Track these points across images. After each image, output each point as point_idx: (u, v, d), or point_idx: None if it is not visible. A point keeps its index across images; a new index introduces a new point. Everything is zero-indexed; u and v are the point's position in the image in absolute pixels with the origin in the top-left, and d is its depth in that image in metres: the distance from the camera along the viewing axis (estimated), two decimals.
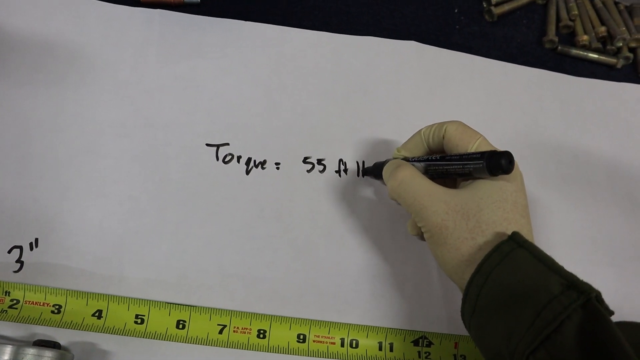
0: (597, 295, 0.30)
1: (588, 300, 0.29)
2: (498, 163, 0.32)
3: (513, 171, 0.33)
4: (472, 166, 0.34)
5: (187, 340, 0.38)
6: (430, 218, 0.35)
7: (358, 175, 0.46)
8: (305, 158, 0.46)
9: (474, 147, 0.36)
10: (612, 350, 0.28)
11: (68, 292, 0.38)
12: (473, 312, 0.32)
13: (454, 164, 0.35)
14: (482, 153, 0.33)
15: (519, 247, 0.32)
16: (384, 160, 0.42)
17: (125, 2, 0.49)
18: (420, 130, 0.40)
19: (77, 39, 0.47)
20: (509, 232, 0.33)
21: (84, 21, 0.47)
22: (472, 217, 0.34)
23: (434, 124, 0.39)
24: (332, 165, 0.46)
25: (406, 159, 0.39)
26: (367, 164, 0.47)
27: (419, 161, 0.38)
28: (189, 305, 0.39)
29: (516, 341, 0.30)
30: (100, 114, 0.44)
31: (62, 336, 0.37)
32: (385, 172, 0.39)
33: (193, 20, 0.49)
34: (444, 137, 0.38)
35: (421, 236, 0.37)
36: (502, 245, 0.32)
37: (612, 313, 0.30)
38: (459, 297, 0.43)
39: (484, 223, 0.33)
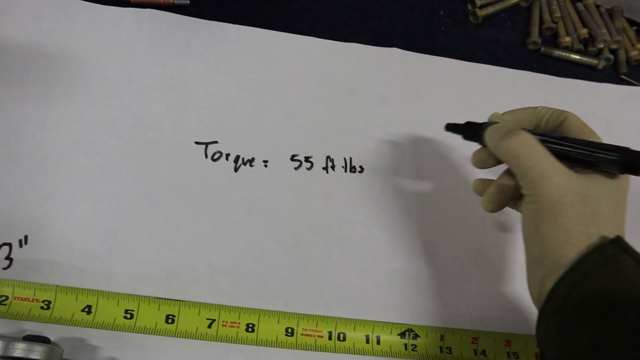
0: None
1: None
2: (634, 162, 0.32)
3: (625, 178, 0.33)
4: (602, 155, 0.33)
5: (176, 334, 0.39)
6: (549, 189, 0.32)
7: (345, 171, 0.47)
8: (293, 155, 0.47)
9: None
10: None
11: (57, 287, 0.38)
12: (555, 312, 0.31)
13: (581, 148, 0.34)
14: (619, 147, 0.33)
15: (623, 252, 0.30)
16: (478, 122, 0.40)
17: (116, 3, 0.50)
18: (535, 107, 0.38)
19: (67, 39, 0.47)
20: (618, 234, 0.32)
21: (74, 22, 0.48)
22: (590, 205, 0.32)
23: (553, 108, 0.38)
24: (319, 162, 0.47)
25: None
26: (355, 160, 0.48)
27: (537, 134, 0.35)
28: (178, 300, 0.39)
29: (606, 349, 0.28)
30: (89, 112, 0.45)
31: (52, 332, 0.37)
32: (497, 131, 0.36)
33: (182, 21, 0.50)
34: (561, 125, 0.37)
35: (491, 199, 0.36)
36: (605, 247, 0.30)
37: None
38: (446, 290, 0.44)
39: (600, 215, 0.32)
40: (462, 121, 0.43)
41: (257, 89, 0.49)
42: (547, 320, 0.32)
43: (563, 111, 0.37)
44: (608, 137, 0.54)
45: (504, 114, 0.39)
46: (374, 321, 0.42)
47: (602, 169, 0.34)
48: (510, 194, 0.37)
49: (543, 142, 0.34)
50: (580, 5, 0.62)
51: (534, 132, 0.35)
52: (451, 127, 0.43)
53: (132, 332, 0.38)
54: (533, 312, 0.45)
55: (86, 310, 0.38)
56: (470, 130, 0.40)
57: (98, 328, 0.38)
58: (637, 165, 0.32)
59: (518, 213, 0.38)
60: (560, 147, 0.34)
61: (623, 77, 0.60)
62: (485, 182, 0.39)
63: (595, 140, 0.35)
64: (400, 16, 0.57)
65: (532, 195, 0.33)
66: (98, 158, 0.43)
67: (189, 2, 0.51)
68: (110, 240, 0.41)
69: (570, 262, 0.31)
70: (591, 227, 0.32)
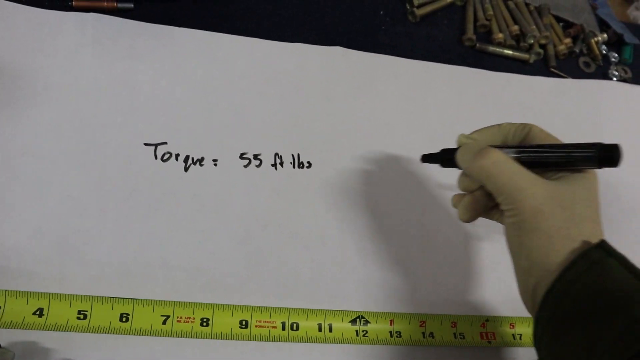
0: None
1: None
2: (610, 155, 0.32)
3: (592, 173, 0.34)
4: (579, 154, 0.34)
5: (130, 332, 0.39)
6: (527, 201, 0.33)
7: (294, 167, 0.49)
8: (242, 154, 0.48)
9: None
10: None
11: (7, 292, 0.38)
12: (550, 319, 0.32)
13: (557, 152, 0.35)
14: (593, 144, 0.33)
15: (608, 255, 0.31)
16: (452, 147, 0.41)
17: (58, 7, 0.50)
18: (499, 124, 0.39)
19: (6, 43, 0.47)
20: (596, 233, 0.33)
21: (14, 26, 0.47)
22: (568, 208, 0.33)
23: (516, 123, 0.39)
24: (268, 159, 0.48)
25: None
26: (302, 156, 0.49)
27: (510, 147, 0.36)
28: (131, 299, 0.40)
29: (600, 353, 0.29)
30: (33, 116, 0.44)
31: (2, 336, 0.37)
32: (467, 152, 0.37)
33: (126, 25, 0.50)
34: (525, 137, 0.38)
35: (466, 209, 0.37)
36: (590, 252, 0.31)
37: None
38: (394, 277, 0.46)
39: (578, 216, 0.33)
40: (404, 118, 0.45)
41: (204, 89, 0.50)
42: (543, 328, 0.32)
43: (526, 124, 0.38)
44: (541, 126, 0.58)
45: (471, 134, 0.40)
46: (326, 310, 0.43)
47: (580, 167, 0.35)
48: (484, 204, 0.38)
49: (520, 153, 0.36)
50: (511, 3, 0.66)
51: (508, 146, 0.36)
52: (427, 158, 0.43)
53: (86, 332, 0.38)
54: (476, 294, 0.48)
55: (37, 313, 0.38)
56: (446, 157, 0.41)
57: (51, 330, 0.38)
58: (613, 157, 0.32)
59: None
60: (538, 155, 0.35)
61: (552, 70, 0.63)
62: (462, 195, 0.40)
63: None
64: (343, 16, 0.59)
65: (512, 209, 0.34)
66: (45, 162, 0.43)
67: (132, 5, 0.51)
68: (61, 242, 0.41)
69: (559, 269, 0.32)
70: (572, 229, 0.32)
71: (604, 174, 0.35)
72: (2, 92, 0.45)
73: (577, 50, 0.66)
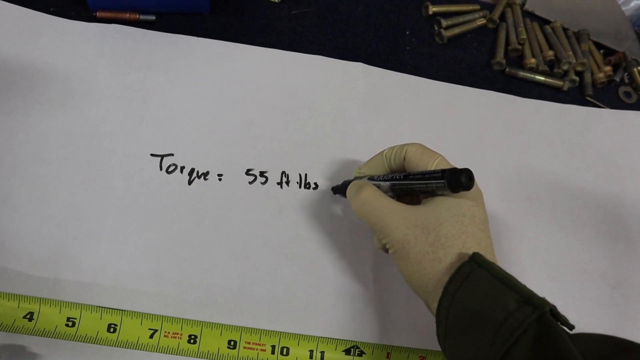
0: (552, 309, 0.31)
1: (542, 314, 0.30)
2: (458, 180, 0.34)
3: (473, 188, 0.35)
4: (434, 184, 0.35)
5: (117, 344, 0.39)
6: (393, 234, 0.36)
7: (300, 187, 0.47)
8: (248, 170, 0.47)
9: (433, 166, 0.38)
10: None
11: (0, 293, 0.38)
12: (445, 334, 0.33)
13: (417, 183, 0.37)
14: (443, 171, 0.35)
15: (478, 267, 0.33)
16: (352, 179, 0.43)
17: (84, 19, 0.51)
18: (382, 152, 0.42)
19: (30, 51, 0.48)
20: (468, 246, 0.35)
21: (39, 35, 0.49)
22: (432, 231, 0.35)
23: (395, 146, 0.41)
24: (274, 177, 0.47)
25: (372, 178, 0.41)
26: (310, 177, 0.48)
27: (384, 180, 0.40)
28: (120, 310, 0.40)
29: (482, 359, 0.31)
30: (46, 122, 0.45)
31: None
32: (349, 192, 0.41)
33: (146, 35, 0.51)
34: (404, 159, 0.40)
35: (386, 250, 0.39)
36: (463, 267, 0.33)
37: (572, 327, 0.31)
38: (392, 308, 0.44)
39: (443, 236, 0.35)
40: (421, 140, 0.44)
41: (217, 101, 0.49)
42: (442, 342, 0.34)
43: (403, 145, 0.40)
44: (571, 157, 0.55)
45: (361, 167, 0.44)
46: (319, 337, 0.42)
47: (441, 194, 0.36)
48: None
49: (393, 186, 0.39)
50: (547, 27, 0.63)
51: (385, 178, 0.40)
52: (335, 190, 0.46)
53: (73, 340, 0.38)
54: None
55: (28, 317, 0.38)
56: (345, 189, 0.43)
57: (39, 336, 0.38)
58: (461, 181, 0.34)
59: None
60: (405, 186, 0.38)
61: (588, 99, 0.60)
62: None
63: (437, 161, 0.38)
64: (366, 34, 0.57)
65: (387, 242, 0.37)
66: (52, 167, 0.44)
67: (154, 17, 0.52)
68: (57, 248, 0.41)
69: (440, 285, 0.34)
70: (439, 251, 0.35)
71: None
72: (19, 98, 0.46)
73: (617, 79, 0.62)
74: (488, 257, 0.35)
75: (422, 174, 0.37)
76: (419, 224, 0.36)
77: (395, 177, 0.39)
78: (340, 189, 0.45)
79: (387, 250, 0.38)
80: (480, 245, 0.35)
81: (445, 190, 0.35)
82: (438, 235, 0.35)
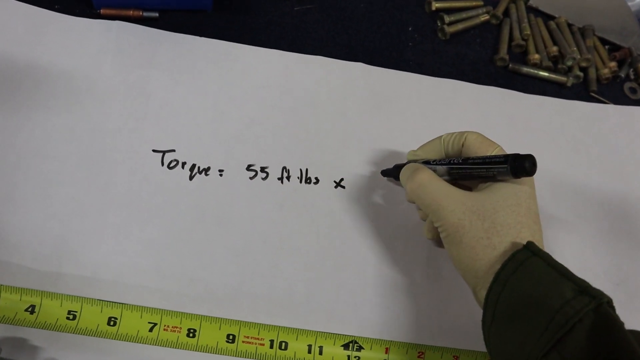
0: (609, 301, 0.31)
1: (600, 304, 0.30)
2: (522, 165, 0.34)
3: (528, 179, 0.35)
4: (496, 169, 0.36)
5: (117, 337, 0.39)
6: (448, 217, 0.36)
7: (301, 182, 0.48)
8: (249, 165, 0.47)
9: (492, 154, 0.38)
10: (623, 352, 0.29)
11: (2, 287, 0.39)
12: (492, 320, 0.33)
13: (478, 167, 0.37)
14: (506, 156, 0.35)
15: (533, 255, 0.33)
16: (404, 162, 0.44)
17: (87, 15, 0.51)
18: (440, 136, 0.43)
19: (35, 48, 0.49)
20: (522, 236, 0.35)
21: (44, 32, 0.49)
22: (488, 218, 0.35)
23: (455, 132, 0.42)
24: (275, 173, 0.48)
25: (427, 162, 0.42)
26: (311, 172, 0.48)
27: (442, 164, 0.40)
28: (120, 303, 0.40)
29: (530, 346, 0.31)
30: (50, 119, 0.46)
31: None
32: (403, 175, 0.42)
33: (149, 33, 0.51)
34: (463, 145, 0.40)
35: (437, 241, 0.40)
36: (517, 254, 0.33)
37: (622, 323, 0.31)
38: (392, 303, 0.44)
39: (499, 225, 0.35)
40: (423, 137, 0.45)
41: (218, 99, 0.50)
42: (488, 329, 0.34)
43: (463, 132, 0.41)
44: (575, 153, 0.55)
45: (417, 149, 0.44)
46: (317, 331, 0.42)
47: (500, 180, 0.36)
48: None
49: (450, 170, 0.39)
50: (552, 23, 0.63)
51: (442, 162, 0.40)
52: (385, 173, 0.47)
53: (74, 333, 0.39)
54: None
55: (29, 309, 0.39)
56: (397, 172, 0.44)
57: (40, 328, 0.38)
58: (525, 167, 0.34)
59: None
60: (463, 170, 0.38)
61: (593, 94, 0.60)
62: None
63: (496, 150, 0.39)
64: (369, 31, 0.57)
65: (440, 225, 0.37)
66: (55, 163, 0.44)
67: (157, 14, 0.53)
68: (60, 242, 0.42)
69: (492, 272, 0.34)
70: (494, 238, 0.35)
71: None
72: (25, 95, 0.47)
73: (622, 75, 0.61)
74: None
75: (483, 158, 0.37)
76: (475, 209, 0.36)
77: (454, 161, 0.39)
78: (391, 172, 0.46)
79: (437, 242, 0.39)
80: (533, 237, 0.35)
81: (507, 175, 0.35)
82: (494, 222, 0.35)
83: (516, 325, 0.32)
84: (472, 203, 0.36)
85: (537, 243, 0.34)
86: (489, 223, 0.35)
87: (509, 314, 0.33)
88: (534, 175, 0.36)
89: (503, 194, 0.36)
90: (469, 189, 0.40)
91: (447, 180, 0.40)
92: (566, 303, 0.30)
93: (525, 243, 0.34)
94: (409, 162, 0.44)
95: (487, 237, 0.35)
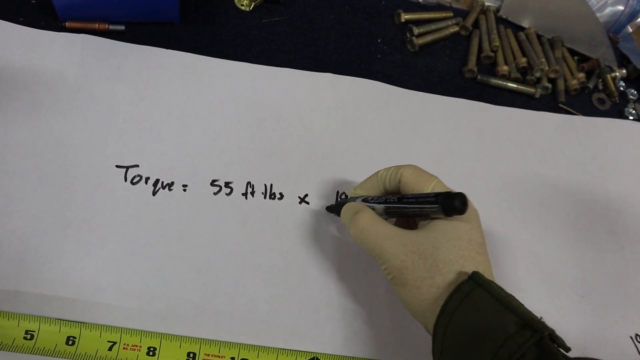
0: (551, 334, 0.31)
1: (541, 338, 0.31)
2: (452, 204, 0.34)
3: (467, 211, 0.35)
4: (428, 208, 0.35)
5: (75, 357, 0.39)
6: (391, 260, 0.36)
7: (265, 197, 0.47)
8: (214, 180, 0.47)
9: (429, 189, 0.38)
10: None
11: None
12: (441, 352, 0.33)
13: (411, 207, 0.37)
14: (437, 195, 0.35)
15: (478, 286, 0.33)
16: (347, 200, 0.43)
17: (52, 28, 0.51)
18: (377, 172, 0.42)
19: None
20: (467, 270, 0.34)
21: (6, 44, 0.49)
22: (429, 257, 0.35)
23: (391, 167, 0.41)
24: (239, 188, 0.47)
25: (366, 199, 0.41)
26: (275, 187, 0.48)
27: (378, 203, 0.39)
28: (79, 322, 0.40)
29: None
30: (11, 134, 0.45)
31: None
32: (345, 216, 0.41)
33: (114, 46, 0.51)
34: (400, 181, 0.40)
35: None
36: (462, 286, 0.33)
37: (568, 349, 0.32)
38: (354, 319, 0.44)
39: (441, 262, 0.35)
40: (390, 150, 0.44)
41: (183, 113, 0.50)
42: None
43: (398, 167, 0.40)
44: (542, 165, 0.55)
45: (356, 188, 0.43)
46: (279, 348, 0.42)
47: (435, 218, 0.36)
48: None
49: (387, 209, 0.39)
50: (521, 34, 0.63)
51: (379, 200, 0.39)
52: (330, 209, 0.47)
53: (31, 353, 0.38)
54: None
55: None
56: (340, 209, 0.43)
57: None
58: (455, 206, 0.34)
59: None
60: (399, 209, 0.38)
61: (561, 105, 0.60)
62: None
63: (433, 184, 0.38)
64: (337, 43, 0.57)
65: (385, 269, 0.37)
66: (15, 179, 0.44)
67: (124, 27, 0.52)
68: (19, 260, 0.41)
69: (437, 307, 0.34)
70: (437, 277, 0.35)
71: None
72: None
73: (590, 86, 0.62)
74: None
75: (416, 197, 0.37)
76: (415, 249, 0.35)
77: (389, 199, 0.38)
78: (335, 209, 0.46)
79: None
80: (478, 268, 0.35)
81: (439, 214, 0.35)
82: (435, 260, 0.35)
83: (464, 357, 0.32)
84: (412, 243, 0.36)
85: (483, 273, 0.34)
86: (431, 261, 0.35)
87: (456, 346, 0.32)
88: (473, 208, 0.37)
89: (442, 229, 0.36)
90: (414, 224, 0.40)
91: (386, 219, 0.39)
92: (509, 337, 0.30)
93: (470, 273, 0.34)
94: (350, 199, 0.43)
95: (429, 277, 0.35)
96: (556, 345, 0.32)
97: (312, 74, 0.54)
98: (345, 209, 0.41)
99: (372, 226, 0.38)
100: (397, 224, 0.40)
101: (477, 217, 0.38)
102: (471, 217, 0.37)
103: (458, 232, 0.36)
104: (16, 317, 0.39)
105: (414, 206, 0.36)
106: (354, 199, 0.43)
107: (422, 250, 0.35)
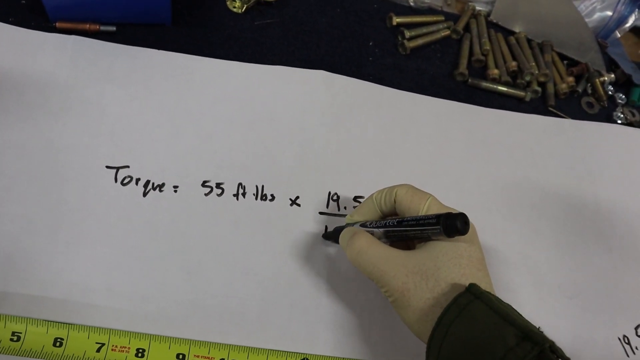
0: (551, 345, 0.31)
1: (542, 350, 0.30)
2: (454, 225, 0.34)
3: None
4: (429, 230, 0.35)
5: (62, 358, 0.38)
6: (391, 283, 0.36)
7: (256, 198, 0.47)
8: (205, 181, 0.47)
9: (424, 207, 0.38)
10: None
11: None
12: None
13: (412, 229, 0.36)
14: (438, 217, 0.34)
15: (475, 298, 0.32)
16: (344, 225, 0.43)
17: (43, 29, 0.51)
18: (371, 196, 0.41)
19: None
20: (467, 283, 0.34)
21: None
22: (431, 277, 0.35)
23: (385, 189, 0.40)
24: (230, 189, 0.47)
25: (364, 225, 0.40)
26: (266, 188, 0.48)
27: (377, 227, 0.39)
28: (67, 323, 0.39)
29: None
30: (1, 134, 0.45)
31: None
32: (342, 240, 0.40)
33: (105, 47, 0.51)
34: (395, 201, 0.39)
35: None
36: (459, 298, 0.33)
37: (568, 359, 0.31)
38: (345, 320, 0.44)
39: (443, 281, 0.34)
40: (382, 151, 0.44)
41: (175, 113, 0.49)
42: None
43: (392, 188, 0.40)
44: (532, 167, 0.56)
45: (352, 214, 0.43)
46: (269, 349, 0.42)
47: (435, 239, 0.36)
48: None
49: (386, 233, 0.38)
50: (512, 38, 0.64)
51: (378, 224, 0.39)
52: (325, 237, 0.46)
53: (18, 355, 0.38)
54: None
55: None
56: (337, 235, 0.42)
57: None
58: (457, 227, 0.33)
59: None
60: (399, 232, 0.37)
61: (551, 109, 0.60)
62: None
63: (428, 201, 0.38)
64: (328, 46, 0.58)
65: (385, 291, 0.37)
66: (5, 180, 0.44)
67: (115, 28, 0.52)
68: (7, 260, 0.41)
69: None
70: (440, 298, 0.34)
71: None
72: None
73: (579, 89, 0.62)
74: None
75: (417, 219, 0.36)
76: (417, 270, 0.35)
77: (389, 223, 0.38)
78: (331, 235, 0.45)
79: None
80: (480, 284, 0.34)
81: (440, 235, 0.35)
82: (438, 280, 0.34)
83: None
84: (413, 264, 0.35)
85: (485, 289, 0.34)
86: (433, 282, 0.34)
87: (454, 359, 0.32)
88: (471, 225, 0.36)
89: (442, 249, 0.35)
90: (412, 245, 0.39)
91: (385, 242, 0.39)
92: (509, 350, 0.30)
93: (467, 285, 0.33)
94: (346, 225, 0.43)
95: (433, 297, 0.34)
96: (556, 357, 0.31)
97: (304, 71, 0.54)
98: (343, 234, 0.41)
99: (370, 247, 0.37)
100: (393, 246, 0.39)
101: (475, 234, 0.38)
102: (470, 234, 0.37)
103: (458, 250, 0.35)
104: (3, 319, 0.39)
105: (415, 228, 0.36)
106: (351, 224, 0.42)
107: (423, 271, 0.35)
